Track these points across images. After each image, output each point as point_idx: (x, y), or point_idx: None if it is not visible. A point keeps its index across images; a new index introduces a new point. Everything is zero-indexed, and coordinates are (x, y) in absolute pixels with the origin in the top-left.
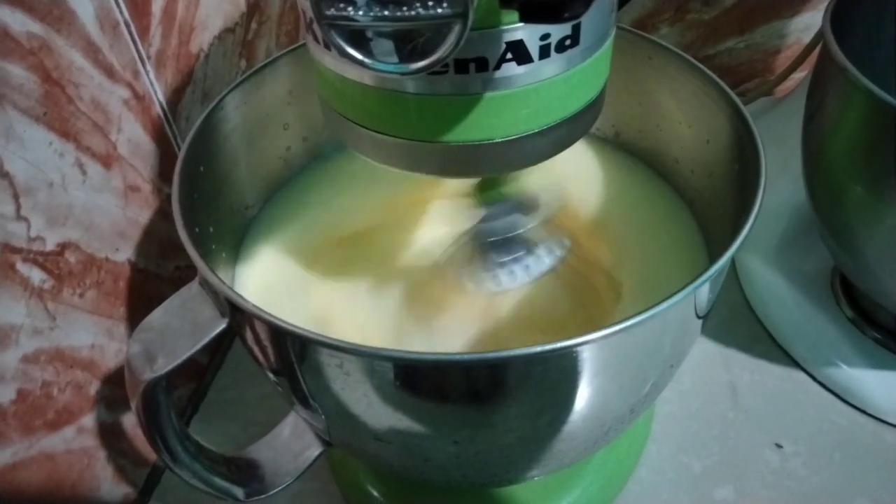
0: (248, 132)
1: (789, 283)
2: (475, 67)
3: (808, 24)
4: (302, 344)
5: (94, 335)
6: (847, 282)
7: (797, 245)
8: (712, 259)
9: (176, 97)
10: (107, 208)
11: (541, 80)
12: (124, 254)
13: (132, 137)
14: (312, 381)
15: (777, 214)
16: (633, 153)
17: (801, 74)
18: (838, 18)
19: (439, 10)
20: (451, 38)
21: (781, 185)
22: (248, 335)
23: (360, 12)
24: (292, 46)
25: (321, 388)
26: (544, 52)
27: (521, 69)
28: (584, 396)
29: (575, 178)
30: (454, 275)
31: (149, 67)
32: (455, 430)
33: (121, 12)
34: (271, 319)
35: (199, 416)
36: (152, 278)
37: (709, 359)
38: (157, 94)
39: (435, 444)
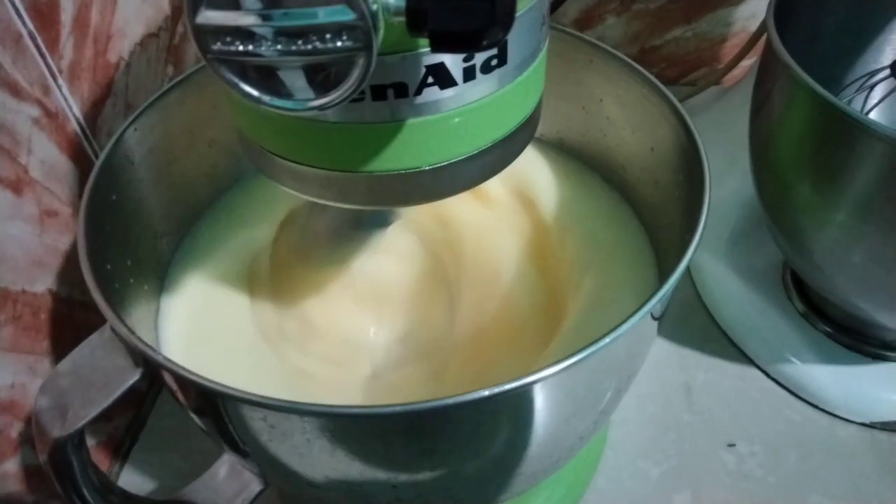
0: (168, 152)
1: (740, 278)
2: (394, 93)
3: (753, 11)
4: (221, 399)
5: (14, 374)
6: (798, 277)
7: (748, 239)
8: (660, 265)
9: (95, 111)
10: (20, 237)
11: (468, 104)
12: (43, 284)
13: (46, 158)
14: (239, 431)
15: (727, 209)
16: (579, 158)
17: (749, 62)
18: (782, 9)
19: (339, 44)
20: (356, 74)
21: (731, 179)
22: (170, 385)
23: (251, 46)
24: None
25: (248, 439)
26: (469, 75)
27: (446, 93)
28: (529, 433)
29: (521, 180)
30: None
31: (61, 81)
32: (392, 476)
33: (24, 23)
34: (186, 375)
35: (139, 445)
36: (78, 307)
37: (664, 359)
38: (73, 109)
39: (374, 489)
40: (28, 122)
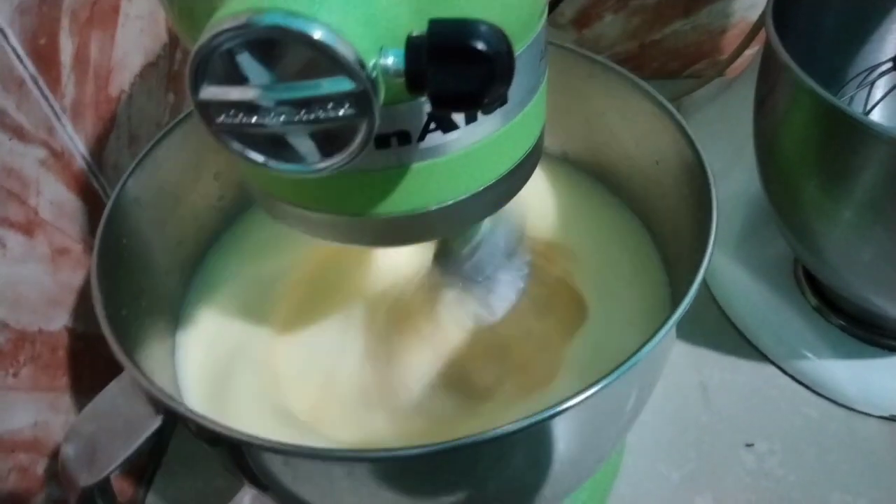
0: (175, 189)
1: (752, 273)
2: (398, 141)
3: (752, 1)
4: (243, 446)
5: (36, 412)
6: (810, 271)
7: (757, 234)
8: (670, 273)
9: (99, 146)
10: (34, 278)
11: (471, 144)
12: (59, 321)
13: (55, 198)
14: (260, 472)
15: (735, 203)
16: (584, 171)
17: (752, 51)
18: (781, 4)
19: (341, 113)
20: (359, 138)
21: (738, 172)
22: (190, 427)
23: (255, 118)
24: None
25: (270, 480)
26: (471, 117)
27: (449, 136)
28: (551, 460)
29: (528, 197)
30: (425, 315)
31: (65, 121)
32: None
33: (25, 67)
34: (207, 424)
35: (161, 471)
36: (95, 341)
37: (678, 360)
38: (78, 146)
39: None
40: (35, 164)
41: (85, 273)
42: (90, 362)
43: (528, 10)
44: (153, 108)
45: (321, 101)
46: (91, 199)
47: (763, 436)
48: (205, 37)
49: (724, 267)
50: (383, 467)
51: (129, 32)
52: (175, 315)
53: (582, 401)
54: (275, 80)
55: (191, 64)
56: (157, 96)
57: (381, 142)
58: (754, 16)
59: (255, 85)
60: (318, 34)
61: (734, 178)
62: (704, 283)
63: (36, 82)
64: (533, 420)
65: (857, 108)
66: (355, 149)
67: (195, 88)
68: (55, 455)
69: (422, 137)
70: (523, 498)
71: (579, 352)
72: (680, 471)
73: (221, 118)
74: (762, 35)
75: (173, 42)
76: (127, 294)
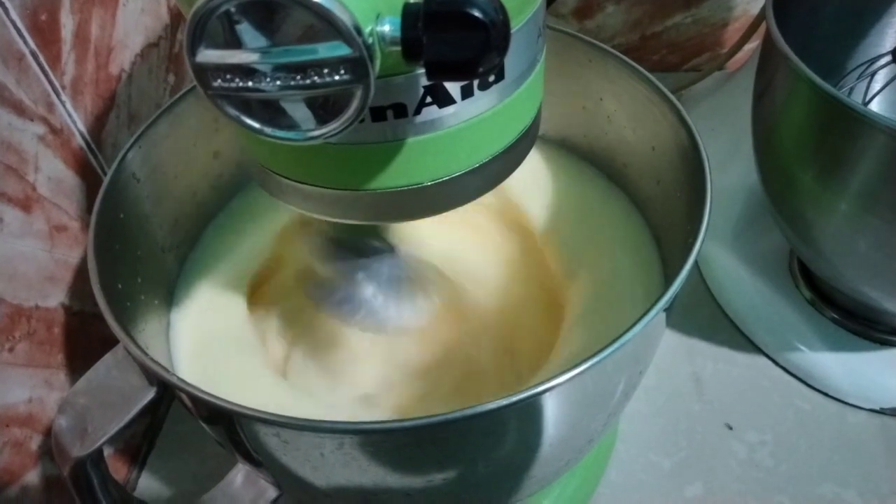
0: (173, 167)
1: (747, 266)
2: (394, 114)
3: None
4: (235, 417)
5: (31, 388)
6: (805, 264)
7: (754, 227)
8: (664, 259)
9: (99, 124)
10: (30, 254)
11: (467, 120)
12: (56, 298)
13: (53, 175)
14: (253, 446)
15: (732, 196)
16: (581, 156)
17: (752, 45)
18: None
19: (337, 78)
20: (354, 105)
21: (736, 165)
22: (184, 400)
23: (251, 83)
24: None
25: (263, 454)
26: (467, 92)
27: (445, 111)
28: (540, 441)
29: (523, 181)
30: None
31: (64, 97)
32: (406, 485)
33: (25, 43)
34: (199, 395)
35: (155, 451)
36: (90, 319)
37: (672, 350)
38: (77, 124)
39: (388, 498)
40: (34, 140)
41: (82, 251)
42: (85, 341)
43: None
44: (153, 89)
45: (317, 66)
46: (89, 176)
47: (754, 426)
48: None
49: (720, 259)
50: (373, 440)
51: (130, 12)
52: (170, 293)
53: (568, 379)
54: (271, 45)
55: (188, 26)
56: (158, 77)
57: (377, 114)
58: (755, 9)
59: (251, 49)
60: None
61: (732, 172)
62: (700, 274)
63: (36, 58)
64: (519, 397)
65: (856, 100)
66: (351, 115)
67: (192, 51)
68: (49, 432)
69: (418, 111)
70: (513, 478)
71: (572, 338)
72: (671, 459)
73: (218, 82)
74: (763, 29)
75: (174, 23)
76: (123, 268)
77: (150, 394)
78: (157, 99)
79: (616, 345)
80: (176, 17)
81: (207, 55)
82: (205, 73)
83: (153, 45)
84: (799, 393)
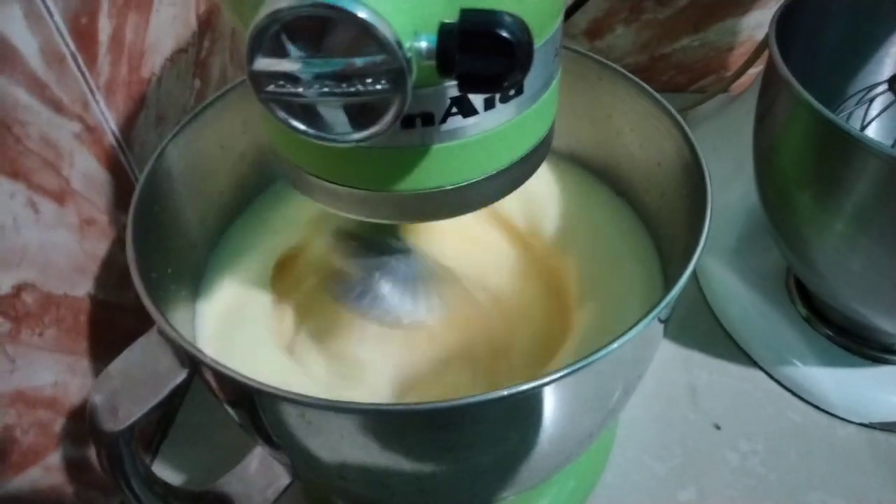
0: (203, 166)
1: (746, 282)
2: (422, 122)
3: (759, 21)
4: (262, 396)
5: (56, 373)
6: (801, 281)
7: (753, 244)
8: (666, 271)
9: (129, 125)
10: (63, 244)
11: (488, 130)
12: (83, 288)
13: (86, 171)
14: (275, 427)
15: (733, 214)
16: (589, 171)
17: (756, 70)
18: (784, 23)
19: (378, 87)
20: (391, 112)
21: (737, 184)
22: (210, 383)
23: (301, 89)
24: (242, 78)
25: (284, 434)
26: (489, 104)
27: (468, 121)
28: (542, 431)
29: (535, 191)
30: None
31: (99, 98)
32: (417, 469)
33: (66, 45)
34: (230, 374)
35: (168, 441)
36: (114, 309)
37: (670, 360)
38: (109, 123)
39: (399, 481)
40: (70, 136)
41: (109, 244)
42: (109, 330)
43: (548, 8)
44: (180, 92)
45: (361, 75)
46: (119, 174)
47: (747, 436)
48: (262, 13)
49: (719, 275)
50: (392, 422)
51: (162, 18)
52: (196, 285)
53: (569, 373)
54: (320, 56)
55: (248, 38)
56: (185, 81)
57: (407, 122)
58: (760, 35)
59: (301, 58)
60: (362, 14)
61: (734, 191)
62: (699, 288)
63: (75, 59)
64: (528, 386)
65: (853, 126)
66: (388, 120)
67: (250, 59)
68: (71, 415)
69: (444, 120)
70: (516, 467)
71: (575, 346)
72: (666, 464)
73: (271, 87)
74: (766, 55)
75: (202, 30)
76: (156, 259)
77: (182, 375)
78: (183, 102)
79: (614, 345)
80: (204, 24)
81: (262, 63)
82: (259, 79)
83: (182, 51)
84: (791, 405)
